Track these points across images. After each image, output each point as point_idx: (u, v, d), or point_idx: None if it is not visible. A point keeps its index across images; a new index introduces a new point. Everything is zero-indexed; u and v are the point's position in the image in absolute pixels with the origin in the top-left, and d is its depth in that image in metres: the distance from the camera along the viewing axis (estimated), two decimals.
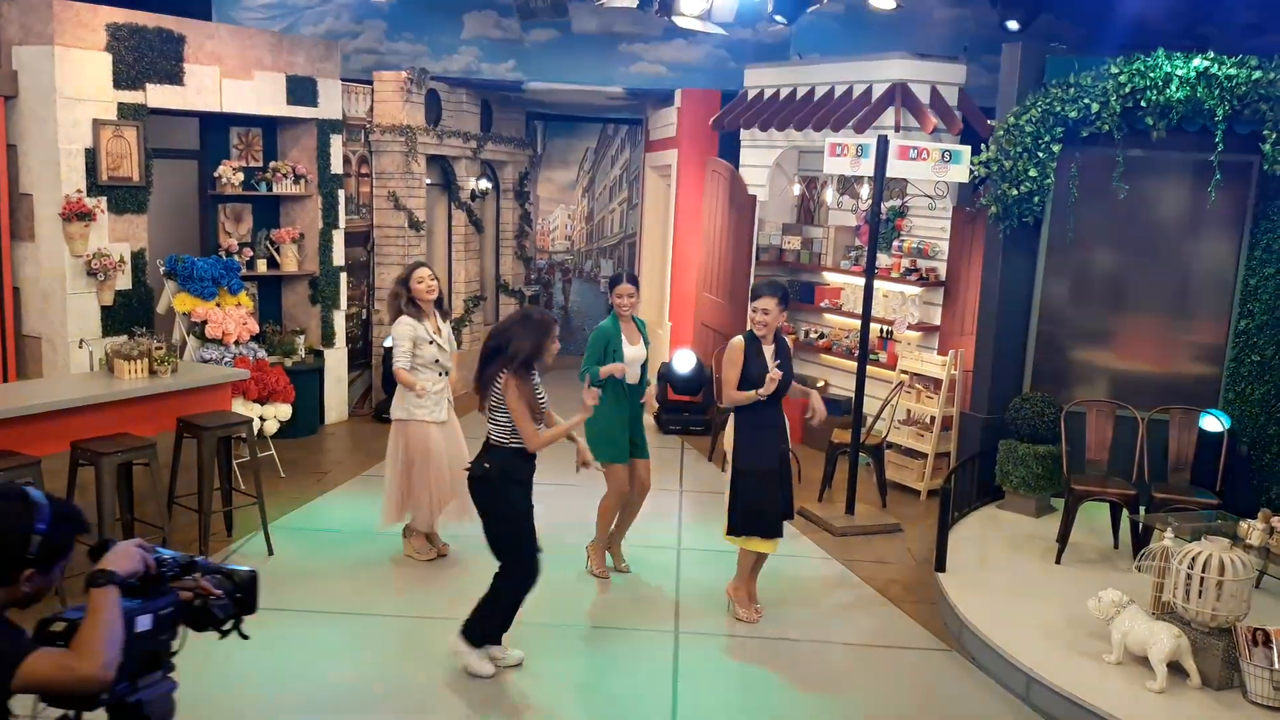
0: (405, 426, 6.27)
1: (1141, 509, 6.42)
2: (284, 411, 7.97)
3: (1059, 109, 7.07)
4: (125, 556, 2.62)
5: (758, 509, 5.56)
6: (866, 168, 7.20)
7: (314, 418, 9.42)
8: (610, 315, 6.26)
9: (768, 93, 9.78)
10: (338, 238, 9.56)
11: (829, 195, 9.74)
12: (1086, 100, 7.02)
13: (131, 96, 7.66)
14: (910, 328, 8.73)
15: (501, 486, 4.88)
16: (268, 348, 8.74)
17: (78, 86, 7.31)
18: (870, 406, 7.99)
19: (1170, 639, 4.85)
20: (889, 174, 7.18)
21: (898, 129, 8.25)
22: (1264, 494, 6.83)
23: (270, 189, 9.09)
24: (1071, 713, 4.79)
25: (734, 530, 5.66)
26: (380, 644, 5.38)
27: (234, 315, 7.94)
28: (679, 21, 8.39)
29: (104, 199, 7.53)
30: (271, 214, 9.41)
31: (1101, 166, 7.23)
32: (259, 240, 9.27)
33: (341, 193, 9.56)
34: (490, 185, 12.14)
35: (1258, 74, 6.72)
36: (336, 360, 9.73)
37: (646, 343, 6.33)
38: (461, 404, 6.77)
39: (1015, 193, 7.18)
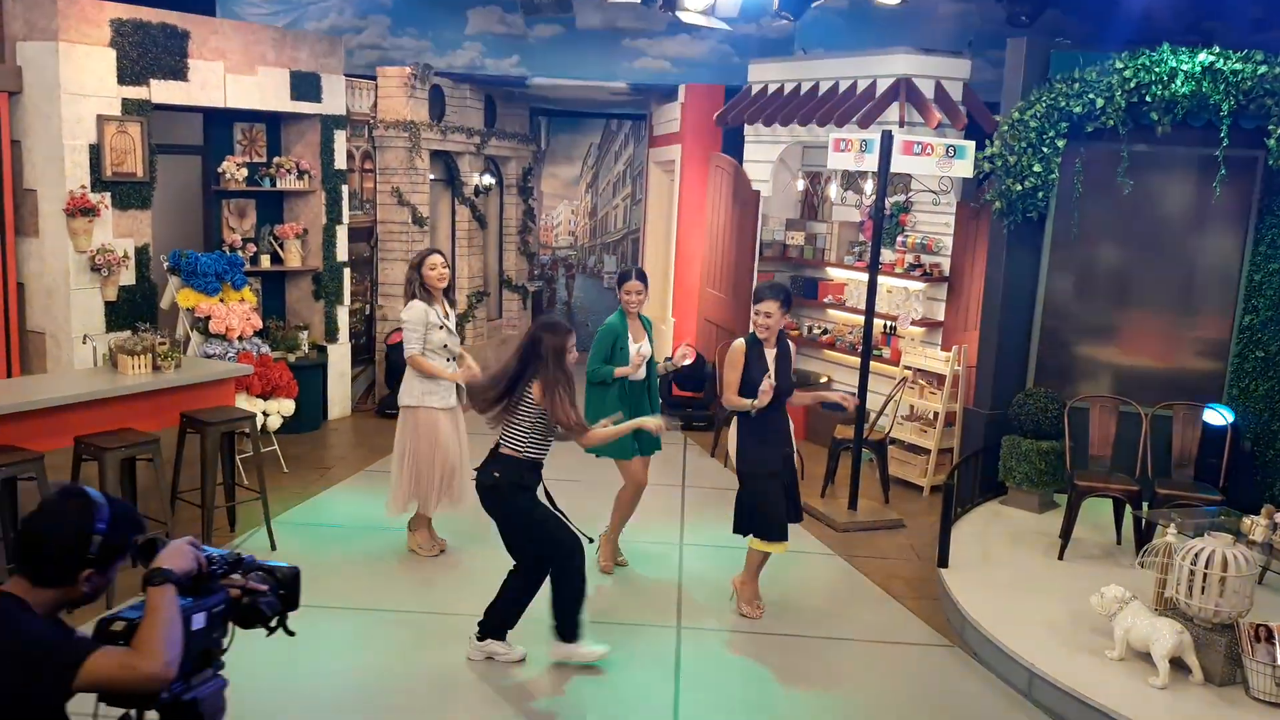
0: (415, 413, 6.26)
1: (1144, 505, 6.41)
2: (287, 407, 7.98)
3: (1064, 104, 7.05)
4: (180, 555, 2.63)
5: (761, 511, 5.56)
6: (871, 163, 7.19)
7: (317, 413, 9.43)
8: (618, 312, 6.24)
9: (772, 88, 9.77)
10: (341, 233, 9.57)
11: (833, 190, 9.73)
12: (1091, 95, 7.00)
13: (135, 92, 7.67)
14: (914, 323, 8.72)
15: (510, 495, 4.94)
16: (271, 343, 8.75)
17: (82, 82, 7.31)
18: (874, 402, 7.99)
19: (1173, 635, 4.84)
20: (893, 169, 7.16)
21: (902, 124, 8.24)
22: (1267, 490, 6.81)
23: (274, 184, 9.10)
24: (1074, 709, 4.79)
25: (740, 530, 5.67)
26: (384, 639, 5.39)
27: (237, 311, 7.95)
28: (683, 16, 8.38)
29: (108, 194, 7.54)
30: (275, 209, 9.42)
31: (1106, 162, 7.22)
32: (263, 236, 9.29)
33: (345, 188, 9.57)
34: (494, 181, 12.14)
35: (1263, 69, 6.69)
36: (340, 356, 9.74)
37: (651, 340, 6.32)
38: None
39: (1019, 188, 7.17)
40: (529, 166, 12.97)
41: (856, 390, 7.37)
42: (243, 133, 9.20)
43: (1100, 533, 6.85)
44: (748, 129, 10.00)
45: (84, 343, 7.40)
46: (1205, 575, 4.84)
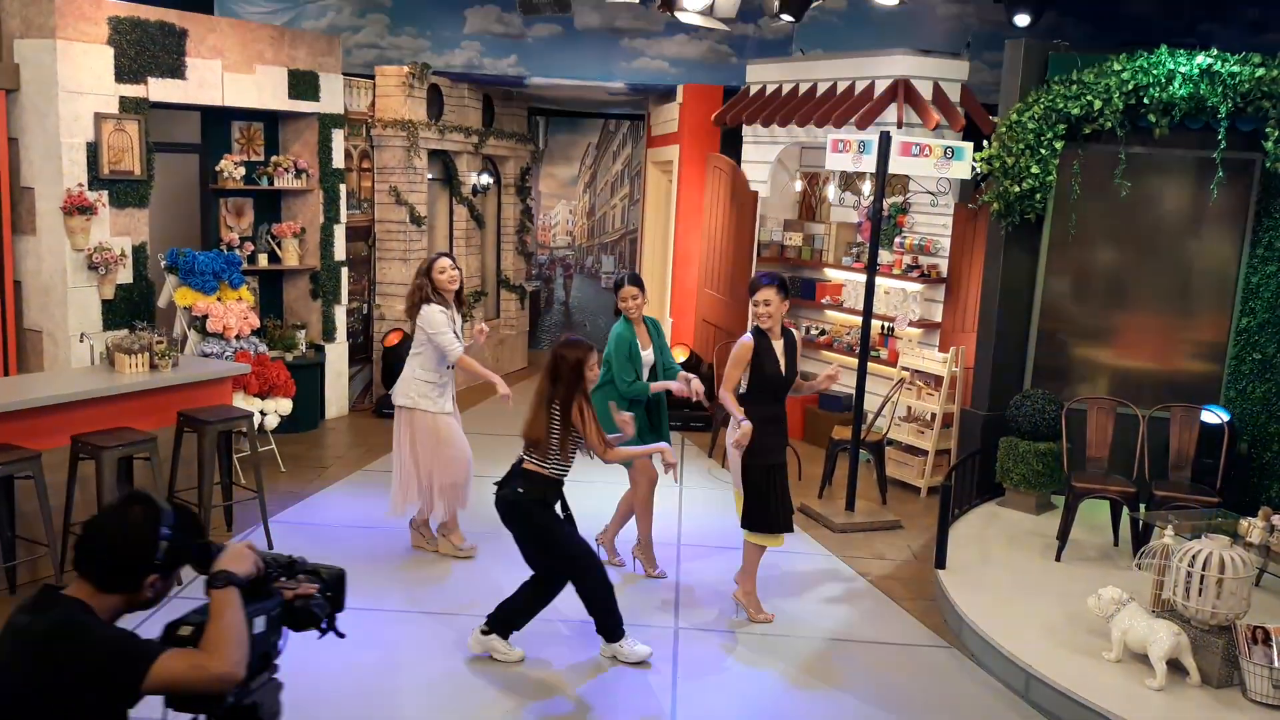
0: (411, 415, 6.27)
1: (1142, 506, 6.41)
2: (285, 406, 7.97)
3: (1061, 105, 7.06)
4: (241, 558, 2.64)
5: (767, 502, 5.56)
6: (868, 164, 7.19)
7: (314, 412, 9.43)
8: (621, 319, 6.20)
9: (770, 88, 9.78)
10: (339, 232, 9.56)
11: (831, 191, 9.73)
12: (1089, 97, 7.00)
13: (133, 90, 7.66)
14: (911, 324, 8.72)
15: (531, 511, 5.01)
16: (269, 342, 8.74)
17: (79, 80, 7.30)
18: (871, 403, 7.99)
19: (1170, 636, 4.85)
20: (891, 170, 7.16)
21: (900, 125, 8.25)
22: (1264, 492, 6.82)
23: (271, 183, 9.09)
24: (1071, 710, 4.79)
25: (749, 526, 5.65)
26: (383, 639, 5.38)
27: (235, 310, 7.93)
28: (681, 17, 8.37)
29: (105, 193, 7.52)
30: (273, 208, 9.41)
31: (1103, 164, 7.22)
32: (260, 235, 9.27)
33: (343, 187, 9.56)
34: (492, 180, 12.13)
35: (1260, 71, 6.70)
36: (337, 355, 9.74)
37: (661, 346, 6.28)
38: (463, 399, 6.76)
39: (1017, 189, 7.17)
40: (527, 166, 12.96)
41: (854, 390, 7.38)
42: (240, 131, 9.19)
43: (1097, 534, 6.86)
44: (746, 129, 10.01)
45: (81, 341, 7.39)
46: (1202, 577, 4.85)
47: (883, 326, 8.99)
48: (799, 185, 10.19)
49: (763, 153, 9.85)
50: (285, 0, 10.32)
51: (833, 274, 9.86)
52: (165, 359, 6.39)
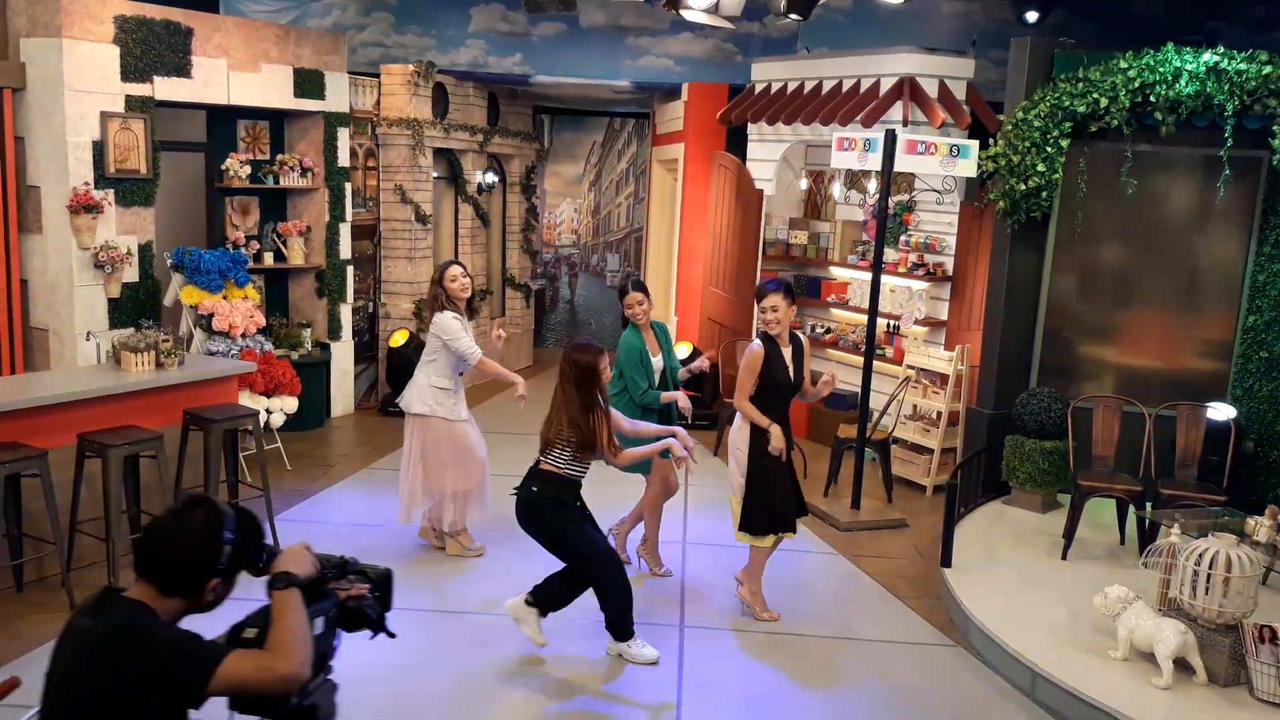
0: (427, 422, 6.24)
1: (1148, 505, 6.40)
2: (290, 404, 7.97)
3: (1067, 104, 7.04)
4: (301, 559, 2.65)
5: (772, 505, 5.55)
6: (874, 162, 7.18)
7: (320, 411, 9.44)
8: (630, 327, 6.17)
9: (775, 87, 9.77)
10: (344, 231, 9.56)
11: (836, 190, 9.72)
12: (1095, 95, 6.99)
13: (139, 89, 7.67)
14: (917, 323, 8.71)
15: (545, 510, 5.04)
16: (274, 341, 8.76)
17: (85, 79, 7.31)
18: (876, 402, 7.98)
19: (1176, 635, 4.84)
20: (896, 168, 7.16)
21: (905, 123, 8.23)
22: (1271, 490, 6.81)
23: (277, 182, 9.10)
24: (1077, 709, 4.78)
25: (750, 529, 5.63)
26: (385, 638, 5.37)
27: (241, 308, 7.94)
28: (686, 15, 8.36)
29: (111, 191, 7.53)
30: (278, 207, 9.42)
31: (1110, 162, 7.21)
32: (266, 233, 9.28)
33: (348, 186, 9.57)
34: (497, 179, 12.13)
35: (1267, 69, 6.68)
36: (343, 353, 9.74)
37: (668, 350, 6.27)
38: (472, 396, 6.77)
39: (1023, 188, 7.16)
40: (532, 164, 12.96)
41: (860, 389, 7.38)
42: (246, 130, 9.20)
43: (1104, 533, 6.85)
44: (751, 128, 9.99)
45: (87, 340, 7.40)
46: (1209, 576, 4.84)
47: (888, 325, 8.98)
48: (804, 183, 10.17)
49: (768, 151, 9.84)
50: None
51: (838, 272, 9.85)
52: (171, 357, 6.39)
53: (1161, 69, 6.85)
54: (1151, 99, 6.89)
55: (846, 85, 9.00)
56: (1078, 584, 5.94)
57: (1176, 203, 7.44)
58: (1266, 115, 6.73)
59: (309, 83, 9.01)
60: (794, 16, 7.84)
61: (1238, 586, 4.82)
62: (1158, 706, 4.69)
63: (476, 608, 5.77)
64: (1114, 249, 7.58)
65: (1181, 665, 4.91)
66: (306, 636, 2.52)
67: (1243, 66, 6.72)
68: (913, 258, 8.81)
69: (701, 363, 6.33)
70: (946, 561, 6.24)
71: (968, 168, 7.32)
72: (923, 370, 8.42)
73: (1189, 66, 6.80)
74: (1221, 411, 6.79)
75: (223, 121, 9.04)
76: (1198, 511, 5.90)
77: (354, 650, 5.18)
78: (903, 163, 7.14)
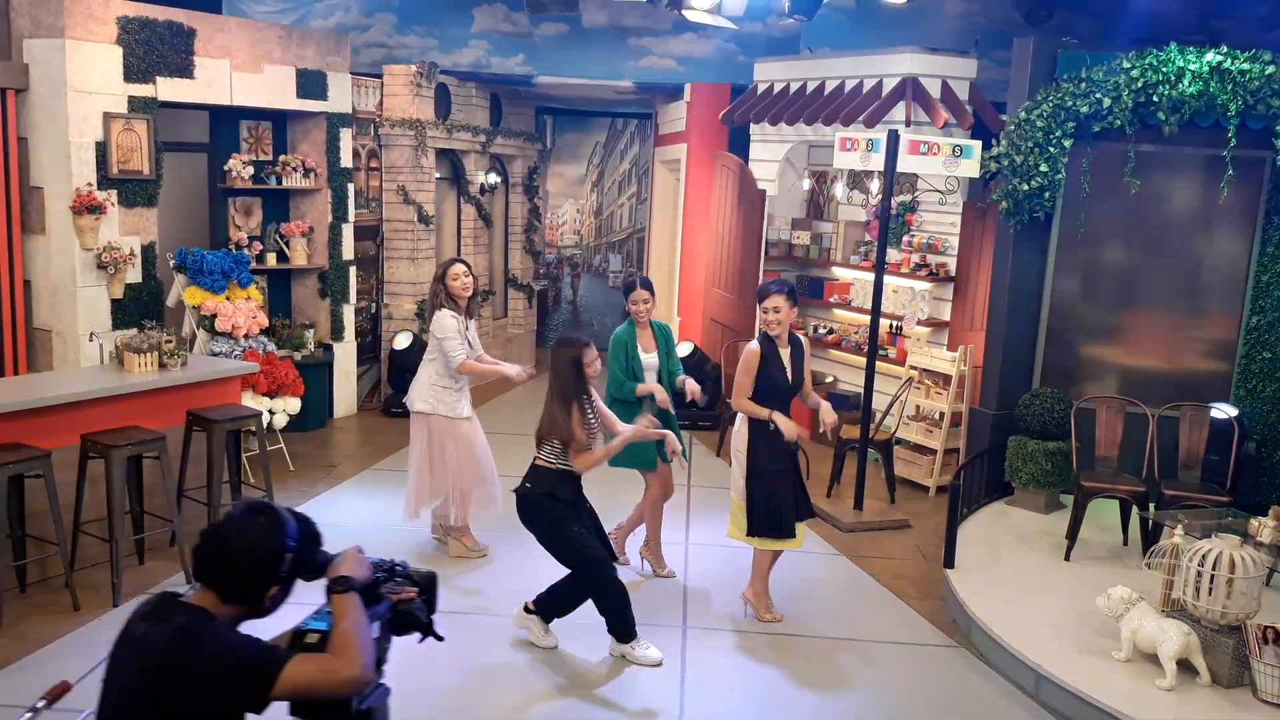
0: (429, 420, 6.26)
1: (1151, 506, 6.39)
2: (293, 405, 7.98)
3: (1070, 104, 7.04)
4: (357, 563, 2.64)
5: (774, 508, 5.54)
6: (877, 163, 7.17)
7: (323, 411, 9.44)
8: (627, 322, 6.20)
9: (777, 87, 9.76)
10: (347, 231, 9.57)
11: (839, 190, 9.70)
12: (1098, 95, 6.98)
13: (142, 90, 7.67)
14: (920, 323, 8.71)
15: (539, 505, 5.06)
16: (277, 341, 8.76)
17: (88, 79, 7.32)
18: (879, 402, 7.98)
19: (1180, 636, 4.83)
20: (899, 169, 7.15)
21: (908, 124, 8.22)
22: (1275, 491, 6.79)
23: (280, 182, 9.10)
24: (1080, 710, 4.78)
25: (752, 531, 5.62)
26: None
27: (243, 309, 7.95)
28: (689, 15, 8.37)
29: (114, 192, 7.54)
30: (281, 208, 9.43)
31: (1113, 162, 7.20)
32: (268, 234, 9.29)
33: (351, 186, 9.57)
34: (499, 179, 12.13)
35: (1271, 69, 6.67)
36: (345, 354, 9.75)
37: (668, 350, 6.24)
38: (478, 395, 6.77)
39: (1026, 188, 7.15)
40: (534, 165, 12.96)
41: (863, 389, 7.37)
42: (249, 130, 9.20)
43: (1107, 534, 6.84)
44: (753, 128, 9.99)
45: (90, 340, 7.41)
46: (1213, 577, 4.83)
47: (891, 325, 8.97)
48: (807, 184, 10.17)
49: (771, 151, 9.84)
50: None
51: (841, 273, 9.84)
52: (174, 358, 6.40)
53: (1165, 69, 6.84)
54: (1154, 99, 6.88)
55: (849, 85, 9.00)
56: (1081, 585, 5.93)
57: (1180, 203, 7.43)
58: (1270, 115, 6.72)
59: (312, 83, 9.02)
60: (798, 16, 7.84)
61: (1241, 587, 4.81)
62: (1161, 708, 4.68)
63: (479, 608, 5.77)
64: (1117, 249, 7.57)
65: (1185, 666, 4.90)
66: (369, 639, 2.51)
67: (1246, 66, 6.71)
68: (915, 258, 8.80)
69: (693, 388, 6.17)
70: (949, 562, 6.24)
71: (970, 168, 7.32)
72: (925, 371, 8.42)
73: (1192, 66, 6.79)
74: (1224, 412, 6.78)
75: (225, 122, 9.05)
76: (1201, 512, 5.88)
77: None
78: (905, 163, 7.13)
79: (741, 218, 9.85)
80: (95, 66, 7.36)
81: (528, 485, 5.07)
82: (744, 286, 9.68)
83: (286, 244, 9.25)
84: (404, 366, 9.35)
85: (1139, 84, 6.88)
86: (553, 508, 5.04)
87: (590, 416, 5.10)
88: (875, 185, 8.61)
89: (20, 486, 5.55)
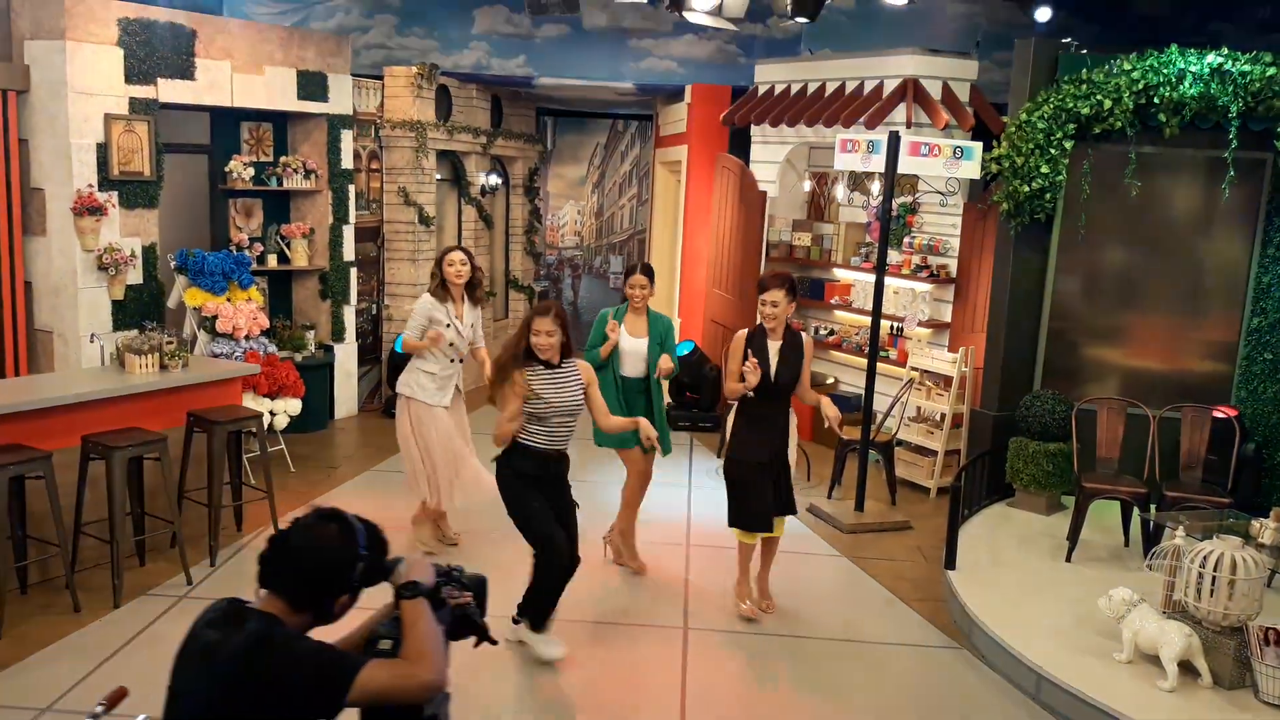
0: (408, 404, 6.35)
1: (1152, 507, 6.39)
2: (294, 406, 7.98)
3: (1071, 105, 7.04)
4: (424, 568, 2.63)
5: (743, 500, 5.55)
6: (878, 164, 7.17)
7: (324, 413, 9.44)
8: (625, 304, 6.25)
9: (778, 88, 9.76)
10: (348, 233, 9.57)
11: (840, 191, 9.72)
12: (1099, 96, 6.98)
13: (143, 91, 7.67)
14: (920, 324, 8.71)
15: (502, 475, 5.06)
16: (278, 343, 8.76)
17: (89, 81, 7.32)
18: (880, 404, 7.97)
19: (1181, 638, 4.83)
20: (900, 170, 7.16)
21: (909, 125, 8.23)
22: (1276, 493, 6.79)
23: (281, 184, 9.11)
24: (1082, 711, 4.77)
25: (740, 524, 5.67)
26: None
27: (244, 310, 7.95)
28: (690, 17, 8.37)
29: (115, 194, 7.54)
30: (282, 209, 9.43)
31: (1113, 163, 7.20)
32: (269, 235, 9.29)
33: (351, 188, 9.57)
34: (500, 181, 12.13)
35: (1272, 70, 6.67)
36: (346, 355, 9.75)
37: (661, 342, 6.21)
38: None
39: (1027, 189, 7.15)
40: (535, 166, 12.96)
41: (864, 391, 7.36)
42: (250, 132, 9.21)
43: (1108, 535, 6.84)
44: (754, 129, 9.99)
45: (91, 342, 7.41)
46: (1214, 578, 4.83)
47: (892, 327, 8.97)
48: (808, 185, 10.17)
49: (771, 153, 9.84)
50: (294, 1, 10.34)
51: (841, 274, 9.84)
52: (175, 359, 6.40)
53: (1165, 70, 6.85)
54: (1155, 100, 6.88)
55: (850, 87, 9.00)
56: (1082, 586, 5.93)
57: (1180, 204, 7.43)
58: (1271, 117, 6.72)
59: (312, 85, 9.02)
60: (801, 20, 7.84)
61: (1243, 589, 4.81)
62: (1162, 709, 4.68)
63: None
64: (1118, 251, 7.57)
65: (1186, 668, 4.90)
66: (440, 643, 2.51)
67: (1247, 68, 6.71)
68: (916, 259, 8.80)
69: (663, 367, 6.11)
70: (950, 564, 6.23)
71: (971, 169, 7.32)
72: (926, 372, 8.42)
73: (1193, 68, 6.79)
74: (1225, 413, 6.78)
75: (226, 123, 9.05)
76: (1202, 514, 5.88)
77: None
78: (906, 164, 7.14)
79: (742, 219, 9.85)
80: (96, 68, 7.36)
81: (495, 459, 5.09)
82: (745, 288, 9.68)
83: (287, 245, 9.25)
84: (405, 368, 9.34)
85: (1140, 85, 6.89)
86: (511, 480, 5.02)
87: (532, 383, 4.91)
88: (876, 187, 8.63)
89: (21, 488, 5.55)
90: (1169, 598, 5.25)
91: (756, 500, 5.56)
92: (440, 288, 6.27)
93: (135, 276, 7.74)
